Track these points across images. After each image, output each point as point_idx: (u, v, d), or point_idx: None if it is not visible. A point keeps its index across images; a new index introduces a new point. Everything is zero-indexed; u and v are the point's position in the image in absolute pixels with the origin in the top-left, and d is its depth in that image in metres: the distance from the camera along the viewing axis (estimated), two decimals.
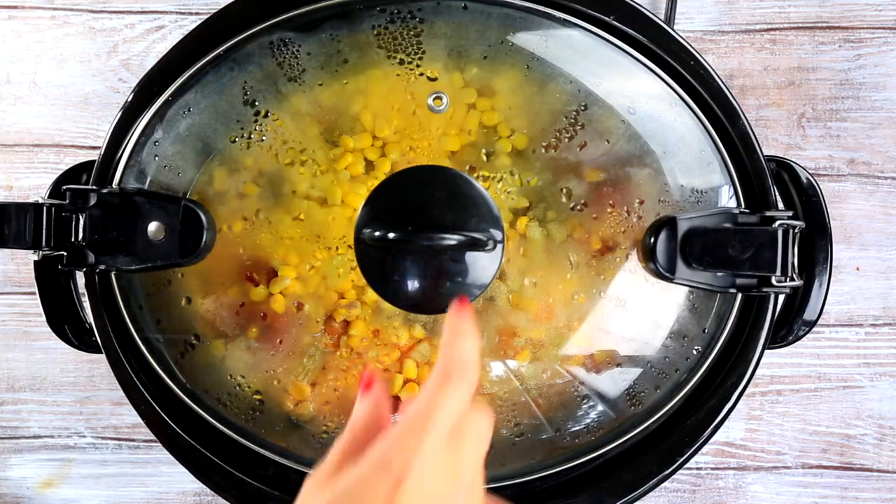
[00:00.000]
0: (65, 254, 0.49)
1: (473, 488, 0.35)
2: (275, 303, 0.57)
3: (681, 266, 0.48)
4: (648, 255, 0.49)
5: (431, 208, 0.39)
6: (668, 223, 0.49)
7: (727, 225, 0.49)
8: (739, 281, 0.49)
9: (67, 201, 0.49)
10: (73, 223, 0.49)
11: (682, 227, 0.48)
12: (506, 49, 0.52)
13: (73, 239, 0.49)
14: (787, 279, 0.48)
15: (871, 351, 0.64)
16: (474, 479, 0.35)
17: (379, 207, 0.44)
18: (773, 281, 0.48)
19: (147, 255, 0.48)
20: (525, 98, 0.53)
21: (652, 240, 0.48)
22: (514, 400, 0.55)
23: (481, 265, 0.43)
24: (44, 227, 0.48)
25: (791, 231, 0.49)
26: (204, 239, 0.48)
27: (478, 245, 0.41)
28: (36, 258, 0.49)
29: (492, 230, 0.42)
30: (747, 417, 0.64)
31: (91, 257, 0.49)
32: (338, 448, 0.35)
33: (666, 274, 0.48)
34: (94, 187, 0.49)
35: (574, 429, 0.54)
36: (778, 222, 0.49)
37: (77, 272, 0.53)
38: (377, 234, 0.43)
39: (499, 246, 0.43)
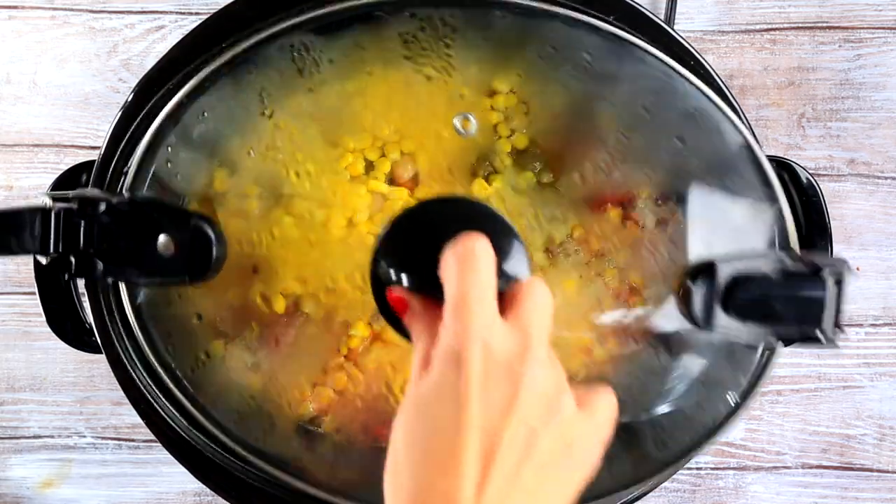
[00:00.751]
0: (73, 261, 0.47)
1: (549, 363, 0.33)
2: (275, 303, 0.57)
3: (720, 315, 0.43)
4: (685, 303, 0.44)
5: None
6: (708, 269, 0.43)
7: (772, 273, 0.43)
8: (782, 332, 0.43)
9: (76, 207, 0.47)
10: (83, 230, 0.47)
11: (723, 273, 0.42)
12: (542, 62, 0.50)
13: (81, 246, 0.47)
14: (837, 333, 0.43)
15: (871, 351, 0.64)
16: (545, 352, 0.34)
17: (396, 243, 0.40)
18: (819, 336, 0.43)
19: (155, 270, 0.46)
20: (561, 122, 0.50)
21: (690, 285, 0.44)
22: None
23: None
24: (52, 231, 0.47)
25: (842, 280, 0.43)
26: (213, 259, 0.46)
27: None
28: (44, 261, 0.48)
29: (518, 267, 0.38)
30: (747, 417, 0.64)
31: (99, 266, 0.47)
32: (415, 364, 0.35)
33: (704, 324, 0.43)
34: (105, 195, 0.48)
35: None
36: (828, 269, 0.43)
37: None
38: (393, 275, 0.39)
39: None
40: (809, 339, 0.43)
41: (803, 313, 0.43)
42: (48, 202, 0.47)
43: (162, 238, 0.46)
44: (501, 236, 0.37)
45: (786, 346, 0.46)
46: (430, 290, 0.37)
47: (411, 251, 0.39)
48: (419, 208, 0.41)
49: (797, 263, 0.44)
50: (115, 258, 0.47)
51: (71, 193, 0.48)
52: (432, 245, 0.37)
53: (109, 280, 0.48)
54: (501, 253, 0.37)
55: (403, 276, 0.39)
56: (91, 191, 0.49)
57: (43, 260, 0.48)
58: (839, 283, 0.42)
